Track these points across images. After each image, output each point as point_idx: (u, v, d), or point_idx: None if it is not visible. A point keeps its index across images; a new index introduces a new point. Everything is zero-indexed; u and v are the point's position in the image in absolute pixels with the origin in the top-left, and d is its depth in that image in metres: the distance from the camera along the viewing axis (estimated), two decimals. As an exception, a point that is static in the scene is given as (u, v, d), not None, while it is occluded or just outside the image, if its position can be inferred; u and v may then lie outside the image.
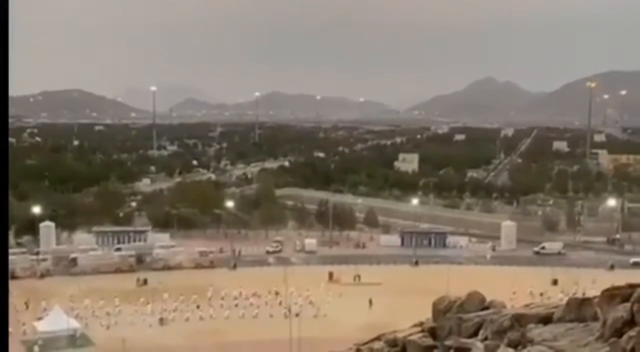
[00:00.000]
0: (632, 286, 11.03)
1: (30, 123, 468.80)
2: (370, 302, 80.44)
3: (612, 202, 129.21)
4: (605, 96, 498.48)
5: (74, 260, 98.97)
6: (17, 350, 64.01)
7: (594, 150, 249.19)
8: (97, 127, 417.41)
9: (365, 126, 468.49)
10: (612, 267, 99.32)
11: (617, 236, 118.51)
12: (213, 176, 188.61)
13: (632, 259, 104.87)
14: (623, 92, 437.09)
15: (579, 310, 12.38)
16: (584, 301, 12.58)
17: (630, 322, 10.38)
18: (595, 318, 11.85)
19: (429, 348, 14.05)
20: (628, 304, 10.78)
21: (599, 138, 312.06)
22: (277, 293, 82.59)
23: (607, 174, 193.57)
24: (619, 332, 10.33)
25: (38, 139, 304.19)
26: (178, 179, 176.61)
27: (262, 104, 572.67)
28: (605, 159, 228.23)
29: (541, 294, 73.30)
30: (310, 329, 63.13)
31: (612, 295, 11.38)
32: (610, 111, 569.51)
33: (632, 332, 9.65)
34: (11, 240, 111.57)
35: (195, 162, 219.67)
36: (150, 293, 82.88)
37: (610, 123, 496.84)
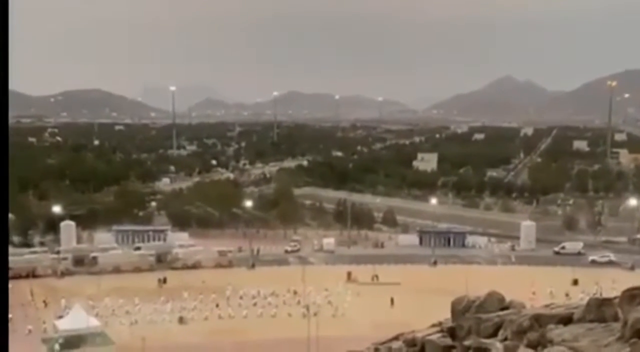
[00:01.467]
0: (653, 287, 10.97)
1: (50, 123, 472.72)
2: (392, 301, 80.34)
3: (633, 201, 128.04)
4: (626, 95, 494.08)
5: (94, 259, 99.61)
6: (38, 348, 64.61)
7: (615, 150, 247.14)
8: (117, 127, 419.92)
9: (384, 125, 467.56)
10: (632, 267, 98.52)
11: (638, 236, 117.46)
12: (232, 176, 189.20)
13: (591, 257, 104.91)
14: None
15: (599, 310, 12.32)
16: (605, 301, 12.52)
17: (651, 323, 10.31)
18: (616, 318, 11.79)
19: (447, 348, 14.03)
20: (649, 305, 10.72)
21: (619, 137, 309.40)
22: (295, 292, 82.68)
23: (628, 173, 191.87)
24: (639, 333, 10.28)
25: (59, 138, 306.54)
26: (197, 179, 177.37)
27: (280, 104, 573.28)
28: (626, 158, 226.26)
29: (567, 295, 72.63)
30: (329, 329, 63.12)
31: (633, 295, 11.33)
32: (630, 110, 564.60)
33: (653, 333, 9.60)
34: (33, 239, 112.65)
35: (214, 162, 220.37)
36: (170, 292, 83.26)
37: (631, 122, 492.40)
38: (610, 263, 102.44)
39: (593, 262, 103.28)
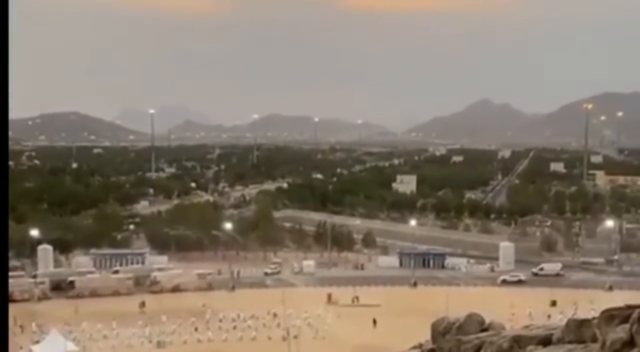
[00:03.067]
0: (631, 307, 11.09)
1: (28, 146, 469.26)
2: (375, 322, 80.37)
3: (610, 223, 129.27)
4: (602, 117, 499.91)
5: (72, 283, 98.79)
6: (14, 374, 63.73)
7: (591, 171, 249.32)
8: (95, 150, 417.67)
9: (363, 148, 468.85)
10: (610, 288, 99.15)
11: (616, 257, 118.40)
12: (211, 198, 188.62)
13: (502, 277, 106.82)
14: (620, 114, 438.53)
15: (578, 331, 12.42)
16: (583, 322, 12.62)
17: (629, 343, 10.43)
18: (594, 339, 11.89)
19: (428, 370, 14.06)
20: (627, 325, 10.84)
21: (596, 159, 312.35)
22: (275, 315, 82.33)
23: (605, 195, 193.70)
24: (618, 353, 10.37)
25: (36, 161, 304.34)
26: (176, 201, 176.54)
27: (260, 126, 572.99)
28: (602, 180, 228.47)
29: (549, 316, 72.82)
30: (309, 351, 62.86)
31: (611, 316, 11.44)
32: (607, 132, 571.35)
33: (631, 353, 9.70)
34: (10, 262, 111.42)
35: (193, 185, 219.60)
36: (148, 316, 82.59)
37: (607, 144, 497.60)
38: (519, 282, 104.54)
39: (504, 281, 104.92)
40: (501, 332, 14.60)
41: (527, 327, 14.74)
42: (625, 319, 11.01)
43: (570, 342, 12.27)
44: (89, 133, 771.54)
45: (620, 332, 10.70)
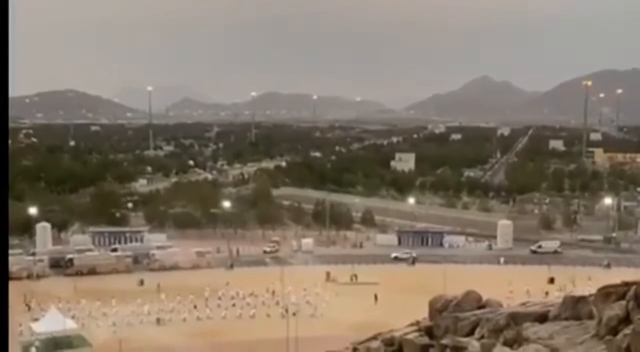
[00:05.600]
0: (628, 284, 11.05)
1: (26, 124, 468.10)
2: (376, 297, 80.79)
3: (608, 200, 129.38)
4: (601, 95, 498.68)
5: (71, 261, 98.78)
6: (14, 351, 63.91)
7: (590, 149, 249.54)
8: (93, 128, 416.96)
9: (362, 126, 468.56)
10: (608, 265, 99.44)
11: (614, 234, 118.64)
12: (210, 176, 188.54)
13: (394, 254, 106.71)
14: (619, 91, 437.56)
15: (574, 308, 12.40)
16: (580, 299, 12.60)
17: (625, 320, 10.40)
18: (591, 316, 11.87)
19: (425, 347, 14.06)
20: (623, 302, 10.80)
21: (595, 137, 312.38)
22: (274, 293, 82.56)
23: (603, 172, 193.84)
24: (614, 330, 10.35)
25: (34, 139, 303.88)
26: (175, 180, 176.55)
27: (258, 104, 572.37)
28: (601, 158, 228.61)
29: (547, 293, 72.98)
30: (308, 329, 63.06)
31: (608, 293, 11.41)
32: (606, 110, 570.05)
33: (627, 330, 9.67)
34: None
35: (191, 163, 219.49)
36: (147, 294, 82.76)
37: (606, 122, 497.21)
38: (412, 260, 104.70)
39: (396, 258, 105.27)
40: (498, 309, 14.58)
41: (523, 304, 14.72)
42: (621, 296, 10.98)
43: (566, 319, 12.25)
44: (86, 111, 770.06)
45: (616, 309, 10.67)
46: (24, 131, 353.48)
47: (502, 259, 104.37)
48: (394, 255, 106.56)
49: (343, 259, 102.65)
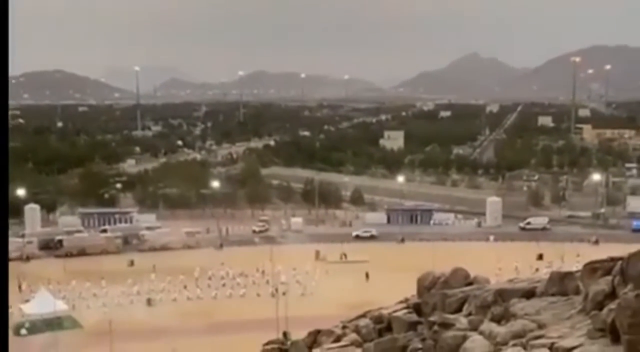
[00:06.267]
0: (613, 260, 11.10)
1: (13, 105, 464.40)
2: (367, 275, 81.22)
3: (596, 176, 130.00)
4: (590, 71, 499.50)
5: (60, 242, 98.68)
6: (4, 333, 63.81)
7: (579, 125, 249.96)
8: (80, 108, 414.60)
9: (350, 104, 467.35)
10: (596, 241, 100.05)
11: (602, 210, 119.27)
12: (198, 156, 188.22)
13: (355, 232, 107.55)
14: (607, 67, 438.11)
15: (561, 284, 12.47)
16: (567, 275, 12.66)
17: (611, 295, 10.45)
18: (577, 292, 11.93)
19: (413, 324, 14.13)
20: (609, 277, 10.86)
21: (583, 113, 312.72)
22: (263, 272, 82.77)
23: (592, 148, 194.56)
24: (600, 305, 10.41)
25: (21, 120, 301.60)
26: (163, 160, 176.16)
27: (246, 83, 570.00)
28: (589, 134, 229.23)
29: (537, 270, 73.39)
30: (298, 308, 63.25)
31: (594, 268, 11.46)
32: (594, 86, 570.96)
33: (613, 305, 9.72)
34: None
35: (180, 143, 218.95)
36: (137, 274, 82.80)
37: (595, 98, 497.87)
38: (372, 237, 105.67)
39: (357, 237, 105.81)
40: (485, 285, 14.66)
41: (511, 280, 14.80)
42: (607, 272, 11.03)
43: (553, 295, 12.31)
44: (74, 91, 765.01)
45: (602, 284, 10.72)
46: (10, 112, 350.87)
47: (491, 237, 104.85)
48: (355, 234, 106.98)
49: (332, 238, 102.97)
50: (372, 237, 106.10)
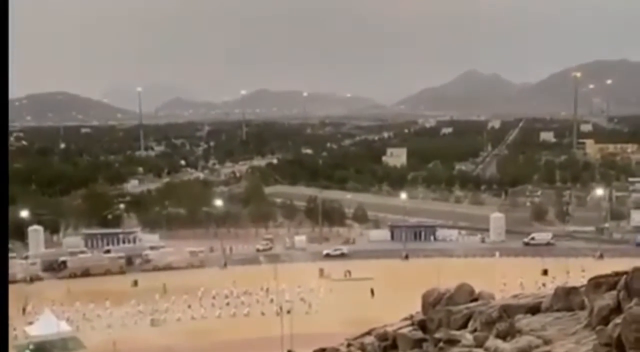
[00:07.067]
0: (618, 274, 11.08)
1: (16, 127, 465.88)
2: (372, 291, 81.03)
3: (599, 191, 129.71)
4: (591, 86, 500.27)
5: (64, 263, 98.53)
6: (8, 355, 63.62)
7: (581, 140, 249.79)
8: (83, 129, 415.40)
9: (353, 122, 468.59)
10: (601, 256, 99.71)
11: (606, 225, 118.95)
12: (201, 175, 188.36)
13: (325, 251, 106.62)
14: (609, 82, 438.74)
15: (566, 299, 12.43)
16: (572, 290, 12.63)
17: (616, 310, 10.42)
18: (582, 307, 11.90)
19: (419, 341, 14.08)
20: (614, 292, 10.83)
21: (585, 128, 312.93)
22: (268, 291, 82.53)
23: (595, 163, 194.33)
24: (605, 320, 10.37)
25: (24, 142, 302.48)
26: (166, 180, 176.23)
27: (248, 102, 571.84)
28: (592, 149, 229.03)
29: (544, 285, 73.02)
30: (302, 326, 63.04)
31: (599, 283, 11.44)
32: (596, 101, 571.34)
33: (619, 320, 9.70)
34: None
35: (183, 162, 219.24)
36: (141, 294, 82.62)
37: (597, 113, 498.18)
38: (342, 256, 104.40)
39: (327, 255, 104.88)
40: (490, 301, 14.62)
41: (516, 296, 14.76)
42: (612, 286, 11.01)
43: (558, 310, 12.27)
44: (76, 112, 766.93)
45: (607, 299, 10.69)
46: (14, 134, 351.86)
47: (497, 253, 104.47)
48: (325, 252, 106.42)
49: (337, 256, 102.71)
50: (342, 256, 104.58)
